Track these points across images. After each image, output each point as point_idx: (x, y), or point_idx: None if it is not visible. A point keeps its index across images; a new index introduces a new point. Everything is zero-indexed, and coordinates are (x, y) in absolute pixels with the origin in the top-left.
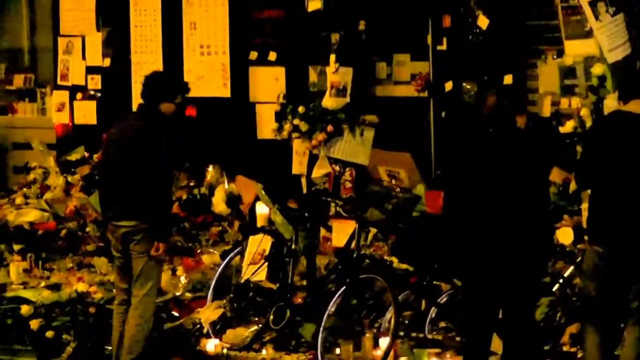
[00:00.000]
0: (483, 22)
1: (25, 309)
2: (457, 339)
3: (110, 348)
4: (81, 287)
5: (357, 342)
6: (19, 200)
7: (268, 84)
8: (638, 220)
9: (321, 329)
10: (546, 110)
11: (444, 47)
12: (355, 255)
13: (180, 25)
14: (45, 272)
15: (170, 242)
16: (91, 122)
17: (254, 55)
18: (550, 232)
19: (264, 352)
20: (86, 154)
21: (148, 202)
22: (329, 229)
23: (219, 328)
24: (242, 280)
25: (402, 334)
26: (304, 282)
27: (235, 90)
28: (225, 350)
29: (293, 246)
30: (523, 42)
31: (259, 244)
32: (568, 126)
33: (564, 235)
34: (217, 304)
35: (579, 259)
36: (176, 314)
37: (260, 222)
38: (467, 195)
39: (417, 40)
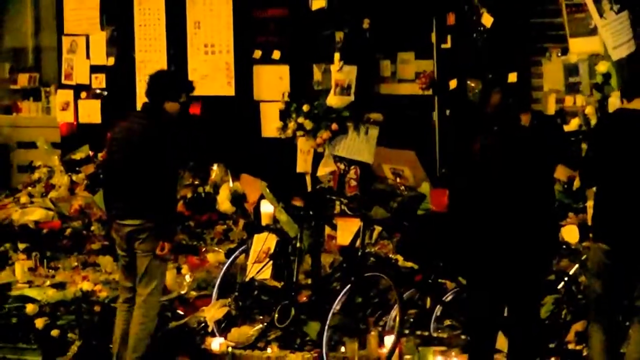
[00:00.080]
0: (487, 20)
1: (30, 308)
2: (463, 337)
3: None
4: (86, 285)
5: (362, 340)
6: (23, 199)
7: (272, 82)
8: None
9: (326, 327)
10: (551, 108)
11: (448, 45)
12: (360, 253)
13: (184, 24)
14: (50, 270)
15: (175, 241)
16: (96, 121)
17: (258, 53)
18: (555, 230)
19: (269, 350)
20: (91, 153)
21: (153, 200)
22: (334, 227)
23: (224, 326)
24: (247, 279)
25: (407, 332)
26: (309, 281)
27: (240, 89)
28: (230, 349)
29: (298, 244)
30: (527, 40)
31: (264, 242)
32: (573, 124)
33: (569, 233)
34: (222, 302)
35: (584, 256)
36: (181, 312)
37: (265, 221)
38: (472, 193)
39: (422, 39)
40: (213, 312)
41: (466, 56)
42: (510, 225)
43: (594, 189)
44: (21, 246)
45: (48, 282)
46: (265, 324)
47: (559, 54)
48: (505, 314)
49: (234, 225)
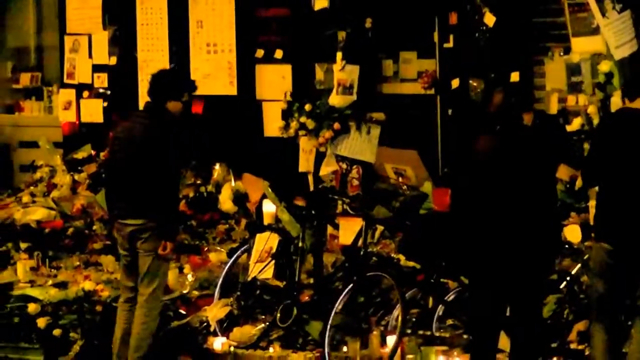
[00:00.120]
0: (489, 19)
1: (32, 308)
2: (465, 336)
3: None
4: (88, 285)
5: (365, 340)
6: (25, 198)
7: (274, 81)
8: None
9: (328, 326)
10: (553, 108)
11: (450, 44)
12: (362, 253)
13: (186, 24)
14: (52, 270)
15: (177, 240)
16: (98, 120)
17: (260, 53)
18: (557, 230)
19: (271, 350)
20: (93, 152)
21: (155, 200)
22: (336, 227)
23: (226, 326)
24: (249, 278)
25: (409, 331)
26: (311, 280)
27: (242, 88)
28: (232, 348)
29: (300, 244)
30: (529, 40)
31: (266, 241)
32: (575, 123)
33: (572, 232)
34: (224, 302)
35: (587, 256)
36: (183, 312)
37: (267, 220)
38: (474, 193)
39: (424, 38)
40: (215, 311)
41: (468, 55)
42: (512, 225)
43: (596, 188)
44: (23, 246)
45: (50, 282)
46: (268, 323)
47: (562, 54)
48: (508, 314)
49: (236, 225)
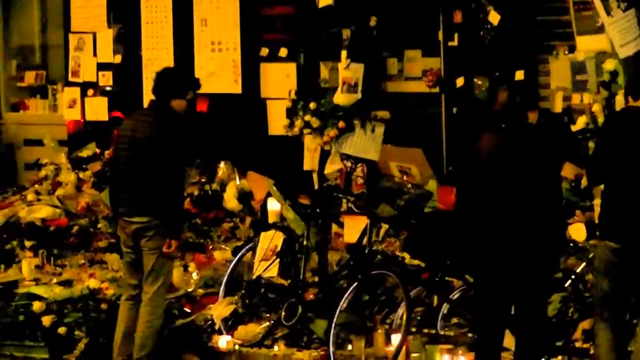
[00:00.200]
0: (494, 17)
1: (37, 306)
2: (470, 335)
3: None
4: (93, 283)
5: (369, 338)
6: (30, 196)
7: (279, 80)
8: None
9: (333, 325)
10: (558, 106)
11: (455, 43)
12: (367, 251)
13: (191, 22)
14: (57, 268)
15: (182, 238)
16: (102, 118)
17: (264, 51)
18: (562, 228)
19: (275, 348)
20: (97, 150)
21: (160, 198)
22: (341, 225)
23: (230, 324)
24: (254, 277)
25: (414, 330)
26: (316, 278)
27: (246, 87)
28: (237, 347)
29: (305, 242)
30: (534, 38)
31: (271, 240)
32: (580, 122)
33: (577, 231)
34: (229, 300)
35: (591, 254)
36: (188, 310)
37: (271, 218)
38: (479, 191)
39: (428, 36)
40: (220, 309)
41: (473, 54)
42: (517, 224)
43: (601, 187)
44: (28, 244)
45: (55, 280)
46: (272, 321)
47: (566, 52)
48: (513, 312)
49: (241, 223)
